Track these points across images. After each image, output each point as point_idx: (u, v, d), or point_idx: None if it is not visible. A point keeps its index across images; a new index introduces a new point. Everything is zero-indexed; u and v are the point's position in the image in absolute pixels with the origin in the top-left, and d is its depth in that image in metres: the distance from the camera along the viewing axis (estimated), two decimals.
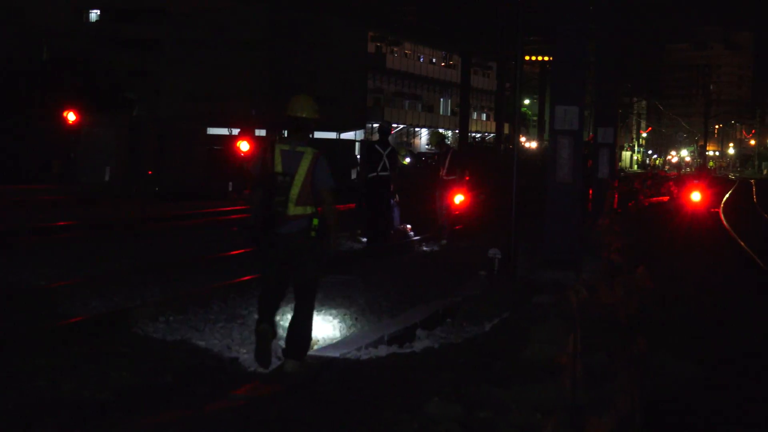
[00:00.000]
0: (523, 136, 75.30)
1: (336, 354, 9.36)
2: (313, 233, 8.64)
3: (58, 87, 48.05)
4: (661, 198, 46.24)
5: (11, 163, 41.51)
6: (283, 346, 8.91)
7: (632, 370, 6.25)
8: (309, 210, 8.64)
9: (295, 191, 8.58)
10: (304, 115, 8.84)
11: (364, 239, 20.40)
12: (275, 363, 9.03)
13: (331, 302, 12.79)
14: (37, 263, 15.52)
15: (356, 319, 12.03)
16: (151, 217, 24.94)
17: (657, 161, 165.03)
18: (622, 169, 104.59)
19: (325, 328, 11.31)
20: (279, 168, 8.63)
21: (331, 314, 12.02)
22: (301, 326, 8.82)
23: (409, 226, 21.95)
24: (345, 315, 12.10)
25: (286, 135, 8.95)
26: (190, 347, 9.80)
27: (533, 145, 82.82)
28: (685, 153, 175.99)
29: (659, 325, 10.52)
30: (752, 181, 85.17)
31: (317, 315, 10.80)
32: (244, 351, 9.97)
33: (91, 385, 7.81)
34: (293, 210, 8.59)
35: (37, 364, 8.22)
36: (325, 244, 8.74)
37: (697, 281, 15.27)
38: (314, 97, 9.15)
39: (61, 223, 21.37)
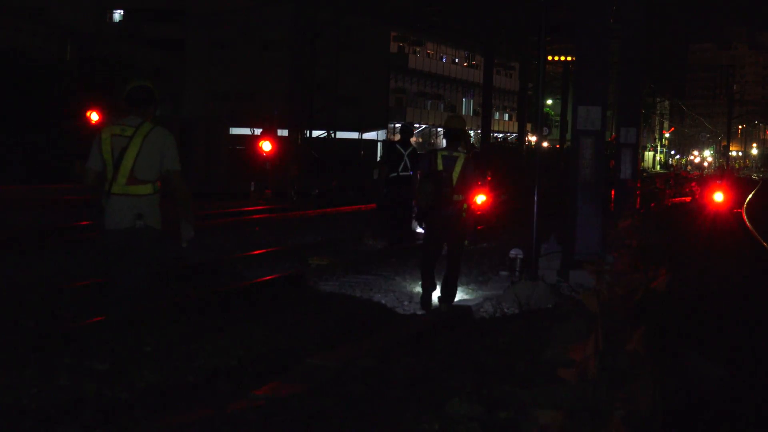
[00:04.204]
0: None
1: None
2: (463, 214, 12.27)
3: (81, 87, 48.20)
4: (683, 198, 46.07)
5: (34, 163, 41.70)
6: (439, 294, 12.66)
7: (655, 370, 6.23)
8: (461, 197, 12.18)
9: (453, 184, 12.08)
10: (458, 127, 12.51)
11: (371, 241, 20.45)
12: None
13: (351, 302, 12.81)
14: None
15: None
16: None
17: (682, 161, 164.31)
18: (644, 170, 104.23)
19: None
20: (440, 167, 12.16)
21: (343, 315, 12.01)
22: (452, 280, 12.58)
23: None
24: (364, 316, 12.10)
25: (445, 144, 12.55)
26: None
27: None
28: (707, 153, 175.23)
29: (683, 325, 10.49)
30: None
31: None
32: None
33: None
34: (453, 197, 12.09)
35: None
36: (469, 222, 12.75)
37: (720, 282, 15.20)
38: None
39: (85, 223, 21.48)
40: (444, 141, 12.76)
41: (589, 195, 15.27)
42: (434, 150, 12.52)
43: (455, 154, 12.28)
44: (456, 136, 12.49)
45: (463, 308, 12.52)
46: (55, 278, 13.84)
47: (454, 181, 12.14)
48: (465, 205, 12.27)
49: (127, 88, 8.90)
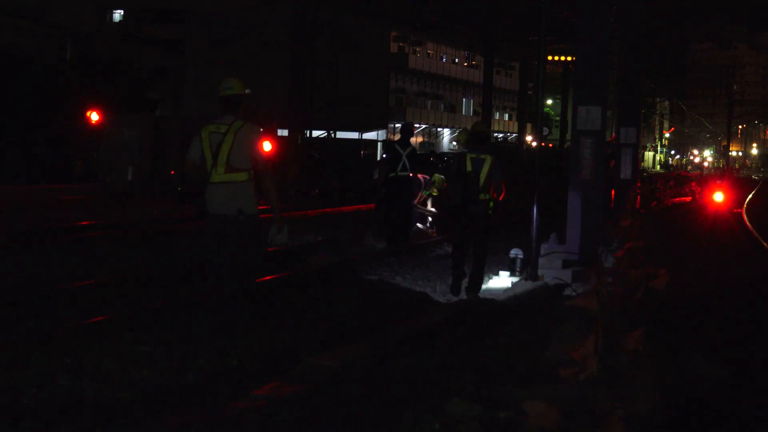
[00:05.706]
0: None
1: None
2: (490, 211, 13.37)
3: (81, 87, 48.19)
4: (683, 198, 46.04)
5: (34, 163, 41.69)
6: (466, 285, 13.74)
7: (655, 371, 6.23)
8: (488, 196, 13.30)
9: (480, 184, 13.23)
10: (485, 131, 13.81)
11: (371, 241, 20.42)
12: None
13: (350, 302, 12.79)
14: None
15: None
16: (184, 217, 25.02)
17: (682, 161, 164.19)
18: (644, 170, 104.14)
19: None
20: (469, 169, 13.31)
21: (343, 315, 12.00)
22: (478, 273, 13.65)
23: (422, 227, 22.00)
24: (364, 317, 12.08)
25: (472, 147, 13.68)
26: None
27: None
28: (707, 153, 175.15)
29: (683, 325, 10.48)
30: None
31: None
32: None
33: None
34: (480, 196, 13.24)
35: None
36: (495, 218, 13.67)
37: (720, 282, 15.19)
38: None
39: (85, 223, 21.48)
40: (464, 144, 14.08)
41: (588, 195, 15.26)
42: (464, 152, 13.74)
43: (483, 156, 13.38)
44: (482, 139, 13.67)
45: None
46: (55, 278, 13.83)
47: (482, 182, 13.27)
48: (491, 204, 13.32)
49: (220, 91, 9.95)
